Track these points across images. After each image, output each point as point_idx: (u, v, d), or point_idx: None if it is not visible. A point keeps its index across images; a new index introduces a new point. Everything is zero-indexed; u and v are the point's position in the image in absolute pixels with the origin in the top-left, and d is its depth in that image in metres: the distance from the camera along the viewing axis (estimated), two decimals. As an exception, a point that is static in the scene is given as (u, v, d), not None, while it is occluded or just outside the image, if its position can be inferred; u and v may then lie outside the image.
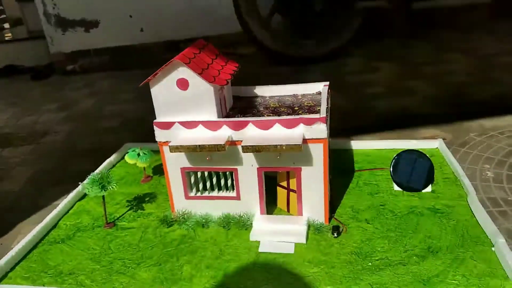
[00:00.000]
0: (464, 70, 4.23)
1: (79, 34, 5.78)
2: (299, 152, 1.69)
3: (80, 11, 5.66)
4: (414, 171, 2.24)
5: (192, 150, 1.85)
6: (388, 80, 4.21)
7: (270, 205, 1.95)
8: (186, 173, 1.92)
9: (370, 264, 1.61)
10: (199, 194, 1.98)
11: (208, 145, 1.83)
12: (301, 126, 1.73)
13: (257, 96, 2.31)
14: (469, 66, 4.36)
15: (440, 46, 5.13)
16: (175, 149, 1.87)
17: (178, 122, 1.83)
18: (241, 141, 1.75)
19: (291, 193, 1.90)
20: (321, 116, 1.71)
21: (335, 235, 1.76)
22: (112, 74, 4.93)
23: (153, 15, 5.43)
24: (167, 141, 1.89)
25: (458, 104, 3.47)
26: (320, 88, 2.24)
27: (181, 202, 1.97)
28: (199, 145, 1.84)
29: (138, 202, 2.19)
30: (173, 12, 5.35)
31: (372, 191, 2.11)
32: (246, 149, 1.70)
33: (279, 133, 1.75)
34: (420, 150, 2.29)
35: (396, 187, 2.13)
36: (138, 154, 2.47)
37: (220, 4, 5.35)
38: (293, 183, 1.86)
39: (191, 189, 1.98)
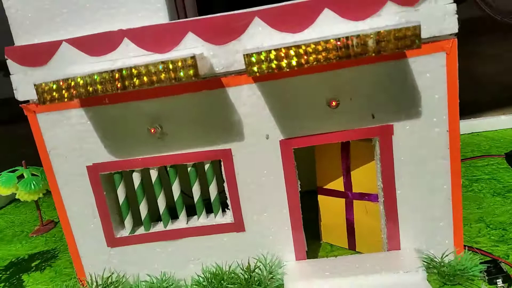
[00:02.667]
0: None
1: None
2: (414, 48, 0.67)
3: None
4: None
5: (104, 89, 0.66)
6: None
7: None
8: (103, 180, 0.93)
9: None
10: (141, 231, 0.98)
11: (146, 66, 0.64)
12: (390, 9, 0.77)
13: None
14: None
15: None
16: (54, 92, 0.68)
17: (68, 42, 0.83)
18: (235, 75, 0.82)
19: (359, 203, 0.97)
20: None
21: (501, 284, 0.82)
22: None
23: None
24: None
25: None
26: None
27: (100, 255, 0.99)
28: (121, 73, 0.65)
29: (14, 272, 1.17)
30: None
31: (496, 190, 1.23)
32: (259, 61, 0.68)
33: (332, 34, 0.76)
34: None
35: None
36: (21, 176, 1.21)
37: None
38: (365, 178, 0.94)
39: (121, 222, 0.98)
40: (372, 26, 0.75)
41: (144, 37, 0.78)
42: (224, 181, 0.88)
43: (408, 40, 0.62)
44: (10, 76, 0.83)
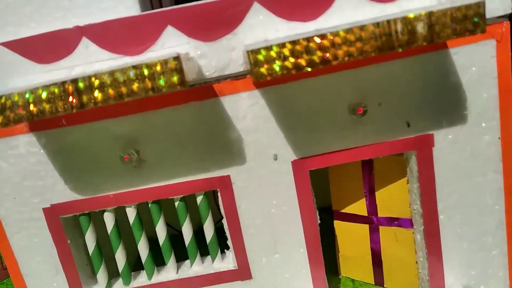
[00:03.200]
0: None
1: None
2: (474, 34, 0.50)
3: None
4: None
5: (53, 109, 0.47)
6: None
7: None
8: (67, 224, 0.72)
9: None
10: (120, 285, 0.75)
11: (115, 73, 0.45)
12: None
13: None
14: None
15: None
16: None
17: (5, 45, 0.62)
18: (231, 79, 0.64)
19: (386, 229, 0.79)
20: None
21: None
22: None
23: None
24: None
25: None
26: None
27: None
28: (85, 81, 0.47)
29: None
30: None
31: None
32: (269, 64, 0.49)
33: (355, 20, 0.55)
34: None
35: None
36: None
37: None
38: (394, 199, 0.75)
39: (93, 276, 0.77)
40: (403, 8, 0.59)
41: (109, 35, 0.59)
42: (222, 216, 0.70)
43: (470, 23, 0.46)
44: None
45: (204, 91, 0.63)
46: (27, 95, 0.47)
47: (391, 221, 0.79)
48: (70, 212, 0.68)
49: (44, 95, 0.47)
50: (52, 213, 0.68)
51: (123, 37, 0.60)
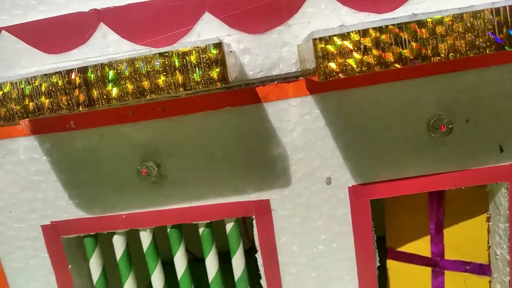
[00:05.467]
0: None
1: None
2: None
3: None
4: None
5: (54, 106, 0.36)
6: None
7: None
8: (69, 246, 0.58)
9: None
10: None
11: (137, 61, 0.34)
12: None
13: None
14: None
15: None
16: None
17: (8, 29, 0.51)
18: (276, 80, 0.50)
19: (451, 274, 0.63)
20: None
21: None
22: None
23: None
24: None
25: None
26: None
27: None
28: (90, 70, 0.35)
29: None
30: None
31: None
32: (343, 58, 0.33)
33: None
34: None
35: None
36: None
37: None
38: (467, 237, 0.60)
39: None
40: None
41: (132, 21, 0.49)
42: (256, 249, 0.58)
43: None
44: None
45: (245, 94, 0.51)
46: (22, 85, 0.36)
47: (461, 266, 0.65)
48: (74, 232, 0.57)
49: (43, 86, 0.37)
50: (52, 232, 0.57)
51: (149, 24, 0.49)
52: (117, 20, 0.50)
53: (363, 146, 0.52)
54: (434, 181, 0.52)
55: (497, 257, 0.58)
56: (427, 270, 0.68)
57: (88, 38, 0.50)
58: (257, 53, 0.49)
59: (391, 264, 0.71)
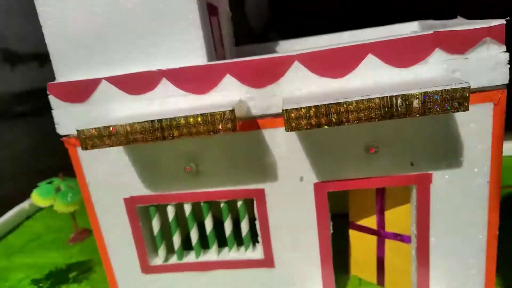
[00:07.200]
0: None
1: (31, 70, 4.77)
2: (459, 111, 0.65)
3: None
4: None
5: (145, 138, 0.67)
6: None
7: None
8: (139, 212, 0.95)
9: None
10: (174, 260, 1.00)
11: (186, 118, 0.65)
12: (437, 56, 0.74)
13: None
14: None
15: None
16: (96, 139, 0.70)
17: (108, 80, 0.84)
18: (272, 117, 0.82)
19: (391, 242, 0.97)
20: (491, 24, 0.70)
21: None
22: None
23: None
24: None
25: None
26: (413, 27, 1.11)
27: (135, 282, 1.01)
28: (161, 123, 0.66)
29: (53, 282, 1.21)
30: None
31: None
32: (298, 118, 0.67)
33: (374, 83, 0.76)
34: None
35: None
36: (58, 189, 1.25)
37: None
38: (398, 219, 0.93)
39: (155, 251, 1.02)
40: (416, 74, 0.72)
41: (183, 78, 0.79)
42: (255, 218, 0.89)
43: (456, 103, 0.60)
44: (52, 111, 0.85)
45: (250, 124, 0.81)
46: (128, 127, 0.67)
47: (395, 236, 0.94)
48: (143, 203, 0.91)
49: (138, 128, 0.67)
50: (130, 203, 0.91)
51: (193, 80, 0.79)
52: (174, 76, 0.79)
53: (325, 157, 0.81)
54: (368, 182, 0.81)
55: (412, 232, 0.87)
56: (374, 238, 0.97)
57: (155, 86, 0.80)
58: (258, 100, 0.79)
59: (351, 232, 1.01)
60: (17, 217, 1.58)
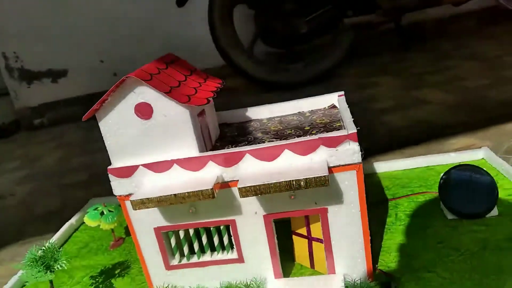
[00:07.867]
0: (475, 74, 3.77)
1: (46, 86, 5.29)
2: (324, 186, 1.20)
3: (45, 61, 5.20)
4: (470, 192, 1.67)
5: (167, 203, 1.25)
6: (392, 93, 3.71)
7: (284, 260, 1.54)
8: (163, 235, 1.49)
9: None
10: (184, 261, 1.55)
11: (188, 192, 1.24)
12: (322, 149, 1.29)
13: (251, 120, 1.77)
14: (477, 69, 3.91)
15: (438, 55, 4.71)
16: (140, 204, 1.28)
17: (143, 165, 1.39)
18: (237, 181, 1.31)
19: (314, 243, 1.50)
20: (349, 132, 1.25)
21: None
22: (83, 124, 4.38)
23: (127, 57, 4.97)
24: (129, 194, 1.36)
25: (483, 108, 2.95)
26: (333, 100, 1.69)
27: (161, 275, 1.54)
28: (176, 195, 1.25)
29: (105, 277, 1.75)
30: (148, 53, 4.91)
31: (420, 224, 1.64)
32: (246, 191, 1.25)
33: (290, 164, 1.31)
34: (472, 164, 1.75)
35: (449, 215, 1.71)
36: (102, 213, 1.84)
37: (197, 40, 4.93)
38: (316, 230, 1.46)
39: (173, 256, 1.56)
40: (312, 159, 1.30)
41: (185, 162, 1.36)
42: (231, 236, 1.48)
43: (322, 182, 1.18)
44: (110, 182, 1.40)
45: (225, 185, 1.35)
46: (157, 197, 1.24)
47: (317, 239, 1.53)
48: (165, 230, 1.48)
49: (163, 197, 1.25)
50: (158, 230, 1.48)
51: (191, 163, 1.35)
52: (180, 162, 1.36)
53: (268, 201, 1.39)
54: (295, 213, 1.37)
55: (323, 237, 1.47)
56: (306, 240, 1.57)
57: (170, 168, 1.37)
58: (228, 173, 1.36)
59: (294, 237, 1.60)
60: (68, 230, 2.18)
